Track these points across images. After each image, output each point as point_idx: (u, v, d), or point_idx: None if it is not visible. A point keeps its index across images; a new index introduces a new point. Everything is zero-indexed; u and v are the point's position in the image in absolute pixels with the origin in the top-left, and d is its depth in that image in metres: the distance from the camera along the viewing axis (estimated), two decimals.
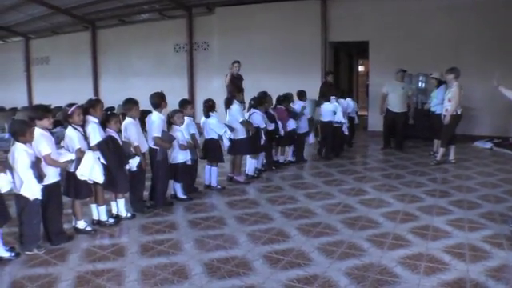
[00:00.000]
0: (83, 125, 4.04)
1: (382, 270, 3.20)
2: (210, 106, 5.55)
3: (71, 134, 3.93)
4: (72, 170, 3.87)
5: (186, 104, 5.30)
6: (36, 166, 3.49)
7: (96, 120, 4.15)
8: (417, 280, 3.02)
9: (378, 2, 9.85)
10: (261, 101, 6.24)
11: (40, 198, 3.54)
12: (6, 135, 6.75)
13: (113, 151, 4.14)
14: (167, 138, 4.78)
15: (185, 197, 5.09)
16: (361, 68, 16.99)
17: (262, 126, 6.06)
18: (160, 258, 3.46)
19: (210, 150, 5.54)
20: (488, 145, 8.37)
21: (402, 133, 8.27)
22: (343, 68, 14.32)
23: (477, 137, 8.83)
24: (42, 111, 3.77)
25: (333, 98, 7.39)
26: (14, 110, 11.31)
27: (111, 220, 4.32)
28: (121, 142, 4.29)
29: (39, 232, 3.67)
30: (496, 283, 2.93)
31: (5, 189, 3.41)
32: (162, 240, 3.86)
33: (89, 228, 4.09)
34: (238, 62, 7.86)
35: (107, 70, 14.52)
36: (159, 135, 4.69)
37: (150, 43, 13.11)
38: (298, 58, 10.66)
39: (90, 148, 4.00)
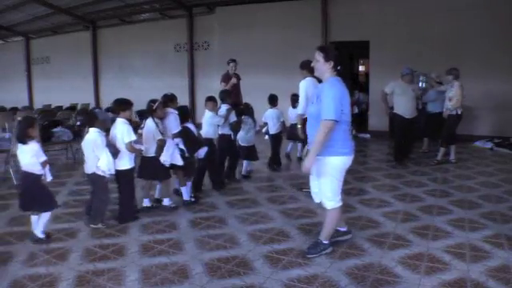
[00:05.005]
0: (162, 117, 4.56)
1: (383, 269, 3.20)
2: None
3: (151, 126, 4.42)
4: (150, 154, 4.42)
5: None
6: (111, 145, 4.04)
7: (176, 112, 4.69)
8: (417, 280, 3.02)
9: (378, 1, 9.85)
10: None
11: (108, 175, 4.02)
12: (7, 135, 6.76)
13: (190, 140, 4.78)
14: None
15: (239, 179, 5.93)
16: (361, 68, 16.97)
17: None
18: (160, 258, 3.46)
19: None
20: (489, 145, 8.37)
21: (416, 137, 7.61)
22: (344, 68, 14.36)
23: (477, 137, 8.83)
24: (125, 104, 4.26)
25: (356, 92, 10.19)
26: (15, 109, 11.28)
27: (193, 199, 4.88)
28: (196, 133, 4.91)
29: (105, 209, 4.20)
30: (496, 283, 2.93)
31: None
32: (162, 239, 3.87)
33: (173, 205, 4.72)
34: (234, 60, 7.53)
35: (108, 70, 14.54)
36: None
37: (150, 43, 13.12)
38: (299, 58, 10.54)
39: (172, 137, 4.54)
